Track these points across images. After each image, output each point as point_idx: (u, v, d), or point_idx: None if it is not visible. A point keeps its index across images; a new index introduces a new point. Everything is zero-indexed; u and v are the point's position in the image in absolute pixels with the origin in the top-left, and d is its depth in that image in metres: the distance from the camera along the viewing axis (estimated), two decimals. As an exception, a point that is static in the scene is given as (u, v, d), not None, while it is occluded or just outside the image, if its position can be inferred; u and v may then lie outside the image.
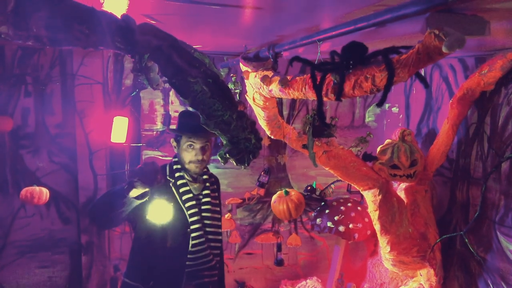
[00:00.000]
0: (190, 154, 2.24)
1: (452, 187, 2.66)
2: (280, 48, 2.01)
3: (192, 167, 2.26)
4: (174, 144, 2.31)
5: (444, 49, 1.15)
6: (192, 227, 2.21)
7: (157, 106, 3.18)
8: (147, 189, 1.94)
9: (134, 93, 3.09)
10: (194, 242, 2.21)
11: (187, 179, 2.29)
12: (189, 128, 2.23)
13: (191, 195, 2.26)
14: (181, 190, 2.25)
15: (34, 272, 3.03)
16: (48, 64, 2.92)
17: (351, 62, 1.47)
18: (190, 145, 2.23)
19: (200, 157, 2.23)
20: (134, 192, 1.91)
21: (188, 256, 2.20)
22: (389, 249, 2.54)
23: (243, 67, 2.40)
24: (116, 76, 3.07)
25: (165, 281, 2.19)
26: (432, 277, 2.54)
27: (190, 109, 2.14)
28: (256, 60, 2.29)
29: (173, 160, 2.34)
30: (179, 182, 2.26)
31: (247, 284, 3.48)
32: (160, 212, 2.09)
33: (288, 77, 1.94)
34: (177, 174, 2.27)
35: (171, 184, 2.24)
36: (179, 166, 2.29)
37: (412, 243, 2.52)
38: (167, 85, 3.07)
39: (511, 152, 2.14)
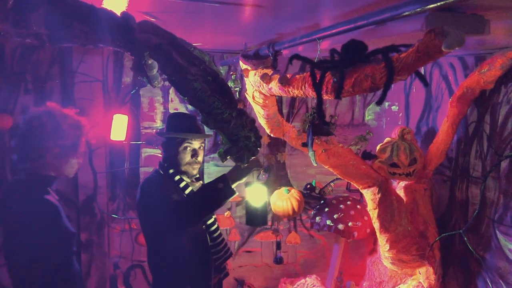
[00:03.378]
0: (187, 155, 2.23)
1: (452, 186, 2.66)
2: (280, 46, 2.02)
3: (189, 168, 2.26)
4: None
5: (443, 48, 1.16)
6: (208, 222, 2.28)
7: (156, 104, 3.18)
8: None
9: (133, 91, 3.09)
10: (215, 235, 2.30)
11: (186, 181, 2.29)
12: (185, 129, 2.23)
13: None
14: (187, 192, 2.24)
15: (34, 270, 3.03)
16: (47, 62, 2.91)
17: (351, 60, 1.46)
18: (187, 147, 2.23)
19: (197, 158, 2.25)
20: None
21: (212, 250, 2.28)
22: (388, 248, 2.55)
23: (243, 65, 2.41)
24: (116, 74, 3.07)
25: (198, 281, 2.27)
26: (431, 275, 2.54)
27: (182, 110, 2.14)
28: (256, 58, 2.30)
29: (165, 165, 2.26)
30: (181, 185, 2.24)
31: (246, 282, 3.48)
32: (257, 195, 2.19)
33: (288, 75, 1.94)
34: (176, 178, 2.24)
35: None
36: (173, 170, 2.25)
37: (411, 242, 2.52)
38: (166, 83, 3.08)
39: (511, 151, 2.15)
